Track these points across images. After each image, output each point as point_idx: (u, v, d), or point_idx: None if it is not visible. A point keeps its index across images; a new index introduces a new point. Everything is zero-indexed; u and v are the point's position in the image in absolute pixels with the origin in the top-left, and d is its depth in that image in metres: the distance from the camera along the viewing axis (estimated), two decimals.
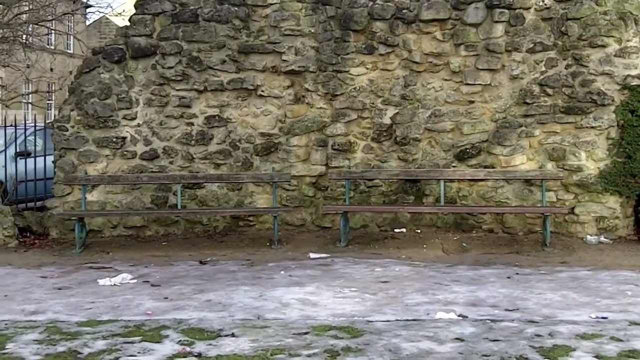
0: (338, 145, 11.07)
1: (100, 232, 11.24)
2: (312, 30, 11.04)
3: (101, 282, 8.20)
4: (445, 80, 10.90)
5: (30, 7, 16.33)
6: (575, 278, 8.16)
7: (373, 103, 11.01)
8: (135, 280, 8.28)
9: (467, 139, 10.84)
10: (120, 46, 11.24)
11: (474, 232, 10.76)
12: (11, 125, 13.15)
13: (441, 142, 10.90)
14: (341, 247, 10.13)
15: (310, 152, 11.17)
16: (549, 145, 10.62)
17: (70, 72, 26.43)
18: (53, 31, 21.31)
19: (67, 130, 11.26)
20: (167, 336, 5.93)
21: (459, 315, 6.56)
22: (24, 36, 16.92)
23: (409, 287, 7.70)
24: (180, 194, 10.75)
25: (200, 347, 5.65)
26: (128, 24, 11.42)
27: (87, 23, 34.66)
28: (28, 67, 19.55)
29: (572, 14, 10.48)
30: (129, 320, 6.46)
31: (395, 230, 10.90)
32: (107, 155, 11.24)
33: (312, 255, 9.67)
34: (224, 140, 11.22)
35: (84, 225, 10.64)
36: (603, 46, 10.41)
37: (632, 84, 10.34)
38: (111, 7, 36.09)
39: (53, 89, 29.81)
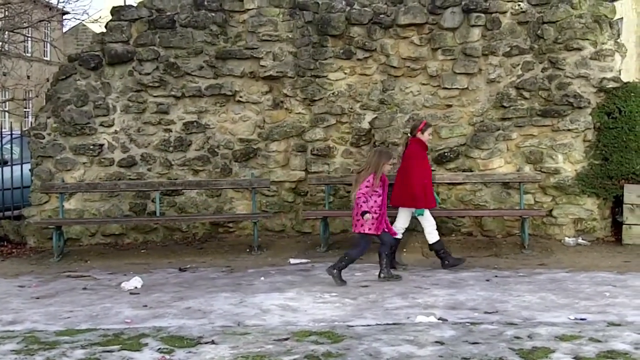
0: (317, 150, 11.07)
1: (78, 241, 11.16)
2: (290, 36, 11.04)
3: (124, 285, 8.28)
4: (423, 84, 10.95)
5: (6, 14, 16.21)
6: (554, 280, 8.21)
7: (352, 108, 11.03)
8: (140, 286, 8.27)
9: (445, 142, 10.88)
10: (97, 53, 11.18)
11: (453, 235, 10.80)
12: None
13: None
14: (321, 252, 10.13)
15: (290, 158, 11.16)
16: (526, 148, 10.70)
17: (47, 80, 26.26)
18: (29, 38, 21.18)
19: (44, 137, 11.18)
20: (146, 344, 5.89)
21: (438, 319, 6.57)
22: (0, 44, 16.78)
23: (389, 292, 7.71)
24: (159, 201, 10.70)
25: (180, 354, 5.62)
26: (104, 30, 11.35)
27: (64, 30, 34.43)
28: (4, 75, 19.40)
29: (547, 17, 10.56)
30: (107, 329, 6.41)
31: None
32: (84, 163, 11.16)
33: (292, 260, 9.66)
34: (203, 147, 11.18)
35: (61, 234, 10.57)
36: (579, 49, 10.51)
37: (607, 86, 10.44)
38: (87, 14, 35.81)
39: (30, 96, 29.58)
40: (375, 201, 8.14)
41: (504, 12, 10.69)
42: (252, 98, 11.14)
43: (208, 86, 11.11)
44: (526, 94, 10.65)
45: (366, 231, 8.17)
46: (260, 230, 10.66)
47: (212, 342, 5.91)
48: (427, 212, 8.96)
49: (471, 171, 10.72)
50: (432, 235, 9.01)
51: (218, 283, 8.39)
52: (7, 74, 19.02)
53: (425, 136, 9.08)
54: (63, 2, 21.36)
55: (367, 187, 8.10)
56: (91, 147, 11.13)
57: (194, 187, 10.99)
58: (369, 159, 8.43)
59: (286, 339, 5.95)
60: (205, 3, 11.06)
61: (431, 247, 9.10)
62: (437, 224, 10.80)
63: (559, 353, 5.46)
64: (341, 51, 10.96)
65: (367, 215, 8.06)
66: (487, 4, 10.63)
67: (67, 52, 17.58)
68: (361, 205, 8.07)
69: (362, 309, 7.02)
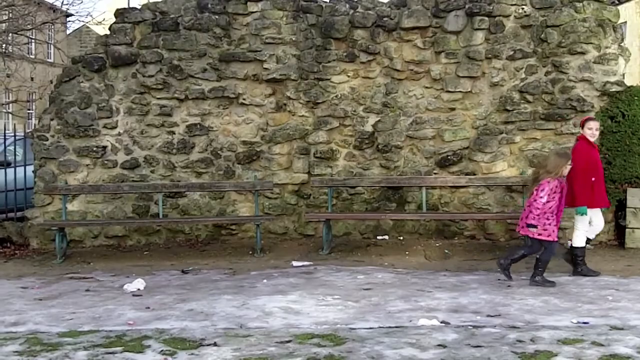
0: (320, 153, 11.07)
1: (81, 242, 11.17)
2: (294, 39, 11.05)
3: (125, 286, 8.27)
4: (426, 87, 10.95)
5: (10, 16, 16.25)
6: (557, 283, 8.20)
7: (355, 111, 11.03)
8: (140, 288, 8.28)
9: (449, 146, 10.88)
10: (101, 55, 11.20)
11: (456, 238, 10.80)
12: None
13: (423, 150, 10.94)
14: (324, 255, 10.12)
15: (293, 160, 11.16)
16: (529, 152, 10.69)
17: (51, 81, 26.35)
18: (33, 40, 21.23)
19: (47, 139, 11.19)
20: (148, 346, 5.89)
21: (441, 322, 6.56)
22: (4, 45, 16.81)
23: (391, 294, 7.70)
24: (161, 203, 10.71)
25: (182, 357, 5.62)
26: (108, 32, 11.37)
27: (68, 32, 34.53)
28: (8, 77, 19.46)
29: (551, 21, 10.56)
30: (110, 331, 6.41)
31: (378, 237, 10.92)
32: (87, 165, 11.18)
33: (294, 263, 9.65)
34: (206, 149, 11.20)
35: (64, 236, 10.58)
36: (582, 53, 10.50)
37: (611, 90, 10.43)
38: (91, 16, 35.92)
39: (33, 98, 29.67)
40: (550, 207, 8.06)
41: (508, 16, 10.69)
42: (255, 101, 11.15)
43: (211, 89, 11.12)
44: (529, 98, 10.65)
45: (536, 236, 8.10)
46: (263, 232, 10.66)
47: (215, 345, 5.91)
48: (589, 213, 8.69)
49: (474, 174, 10.72)
50: (578, 238, 8.78)
51: (221, 285, 8.39)
52: (11, 75, 19.08)
53: (586, 131, 8.79)
54: (67, 4, 21.40)
55: (548, 194, 7.98)
56: (94, 149, 11.15)
57: (196, 189, 11.00)
58: (549, 162, 8.14)
59: (288, 342, 5.95)
60: (209, 6, 11.08)
61: (571, 249, 8.86)
62: (439, 228, 10.87)
63: (561, 357, 5.46)
64: (344, 54, 10.97)
65: (533, 229, 8.09)
66: (491, 8, 10.63)
67: (70, 54, 17.64)
68: (532, 217, 8.06)
69: (364, 311, 7.01)
